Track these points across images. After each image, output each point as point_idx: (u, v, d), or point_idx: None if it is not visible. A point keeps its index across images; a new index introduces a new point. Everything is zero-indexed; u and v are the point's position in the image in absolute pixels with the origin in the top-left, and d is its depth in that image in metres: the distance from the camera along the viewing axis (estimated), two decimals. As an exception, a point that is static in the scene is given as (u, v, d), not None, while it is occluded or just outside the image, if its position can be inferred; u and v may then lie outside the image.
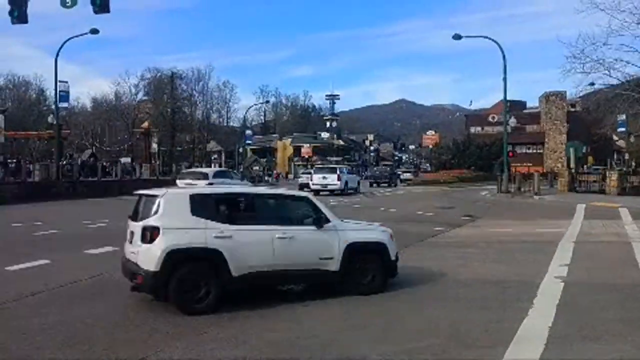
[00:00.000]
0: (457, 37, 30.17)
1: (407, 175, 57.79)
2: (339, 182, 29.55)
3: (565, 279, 6.87)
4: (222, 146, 74.51)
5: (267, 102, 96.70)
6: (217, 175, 22.77)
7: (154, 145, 42.33)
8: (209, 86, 74.95)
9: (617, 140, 57.57)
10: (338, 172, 30.75)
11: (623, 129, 43.53)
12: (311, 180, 30.77)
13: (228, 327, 4.96)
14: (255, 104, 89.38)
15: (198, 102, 73.40)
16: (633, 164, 52.17)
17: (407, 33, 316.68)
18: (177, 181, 22.13)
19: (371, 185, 42.68)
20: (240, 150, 62.76)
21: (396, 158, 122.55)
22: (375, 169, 62.09)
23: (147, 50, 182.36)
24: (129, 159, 44.97)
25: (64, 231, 12.32)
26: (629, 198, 21.80)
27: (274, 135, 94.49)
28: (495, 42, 30.00)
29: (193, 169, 32.44)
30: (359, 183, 34.17)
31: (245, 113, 70.94)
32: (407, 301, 6.00)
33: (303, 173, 38.59)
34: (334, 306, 5.79)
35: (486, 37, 30.73)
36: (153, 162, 43.37)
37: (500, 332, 4.69)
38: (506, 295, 6.17)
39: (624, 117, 36.95)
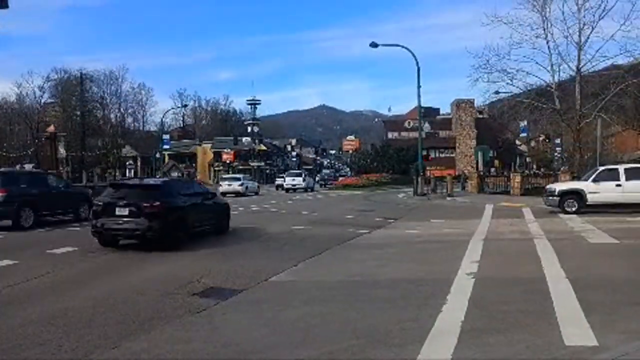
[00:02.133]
0: (374, 45, 31.07)
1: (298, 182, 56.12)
2: (303, 183, 42.91)
3: (476, 275, 7.23)
4: (138, 151, 71.42)
5: (186, 106, 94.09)
6: (244, 178, 41.33)
7: (62, 151, 39.62)
8: (123, 89, 71.63)
9: (519, 145, 62.09)
10: (303, 176, 45.26)
11: (524, 134, 47.05)
12: (284, 181, 44.50)
13: (142, 340, 4.70)
14: (173, 108, 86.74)
15: (111, 105, 69.85)
16: (534, 166, 56.52)
17: (328, 40, 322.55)
18: (221, 182, 40.64)
19: (321, 185, 54.22)
20: (158, 155, 60.42)
21: (317, 162, 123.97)
22: (323, 173, 75.95)
23: (52, 50, 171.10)
24: (31, 166, 41.79)
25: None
26: (531, 198, 23.50)
27: (193, 140, 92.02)
28: (409, 50, 31.25)
29: (230, 175, 49.06)
30: (314, 184, 47.75)
31: (163, 117, 68.64)
32: (327, 304, 6.01)
33: (223, 178, 43.55)
34: (254, 313, 5.68)
35: (401, 46, 31.90)
36: (61, 168, 40.59)
37: (417, 329, 4.83)
38: (422, 293, 6.38)
39: (525, 123, 39.92)
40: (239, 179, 39.87)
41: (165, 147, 61.07)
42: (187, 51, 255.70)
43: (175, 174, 68.65)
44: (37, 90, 64.20)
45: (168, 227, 10.20)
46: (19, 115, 63.39)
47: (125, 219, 10.08)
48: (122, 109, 72.64)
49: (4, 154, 57.76)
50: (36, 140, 54.66)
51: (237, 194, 35.80)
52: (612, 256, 9.09)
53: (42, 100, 65.02)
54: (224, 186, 37.10)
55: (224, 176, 48.22)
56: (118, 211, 10.16)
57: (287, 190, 41.89)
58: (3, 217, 14.02)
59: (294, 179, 43.62)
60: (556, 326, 4.79)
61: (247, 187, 38.24)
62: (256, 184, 43.82)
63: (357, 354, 4.23)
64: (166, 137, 61.13)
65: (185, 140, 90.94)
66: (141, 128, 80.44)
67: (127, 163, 68.08)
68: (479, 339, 4.51)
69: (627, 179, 16.98)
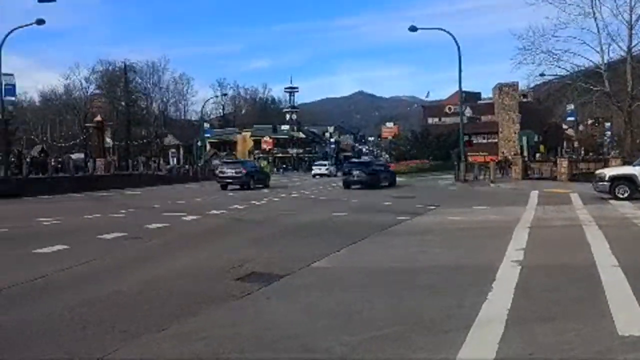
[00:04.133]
0: (413, 29, 30.51)
1: (323, 170, 57.49)
2: (327, 171, 53.67)
3: (522, 263, 7.05)
4: (180, 140, 73.07)
5: (225, 94, 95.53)
6: (329, 164, 60.10)
7: (108, 140, 41.02)
8: (165, 79, 73.30)
9: (566, 129, 59.89)
10: (327, 165, 58.57)
11: (572, 118, 45.35)
12: (312, 170, 56.73)
13: (189, 323, 4.82)
14: (213, 97, 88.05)
15: (154, 95, 71.60)
16: (582, 151, 54.45)
17: (366, 26, 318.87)
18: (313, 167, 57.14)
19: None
20: (199, 144, 61.64)
21: (356, 150, 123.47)
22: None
23: (97, 42, 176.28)
24: (82, 155, 43.44)
25: (11, 230, 11.76)
26: (579, 184, 22.70)
27: (233, 128, 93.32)
28: (450, 34, 30.54)
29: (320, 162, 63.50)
30: (336, 172, 53.02)
31: (203, 106, 69.71)
32: (369, 290, 6.01)
33: (316, 165, 60.00)
34: (297, 298, 5.74)
35: (441, 29, 31.21)
36: (108, 157, 42.06)
37: (462, 316, 4.75)
38: (465, 280, 6.27)
39: (572, 106, 38.47)
40: (324, 165, 56.90)
41: (206, 135, 62.28)
42: (227, 40, 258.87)
43: (216, 162, 69.90)
44: (83, 81, 66.57)
45: (248, 179, 28.68)
46: (67, 106, 65.83)
47: (232, 174, 28.89)
48: (164, 99, 74.39)
49: (55, 143, 60.29)
50: (84, 130, 56.71)
51: (325, 175, 50.55)
52: (668, 244, 8.68)
53: (89, 92, 67.32)
54: (321, 169, 53.66)
55: (317, 162, 62.95)
56: (228, 172, 29.17)
57: (314, 176, 51.79)
58: (244, 184, 28.38)
59: (320, 168, 55.58)
60: (608, 315, 4.61)
61: (330, 171, 53.31)
62: (334, 168, 56.81)
63: (400, 340, 4.20)
64: (207, 125, 62.30)
65: (225, 129, 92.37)
66: (183, 117, 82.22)
67: (170, 152, 69.82)
68: (527, 327, 4.40)
69: (683, 163, 16.15)
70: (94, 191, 27.58)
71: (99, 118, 42.62)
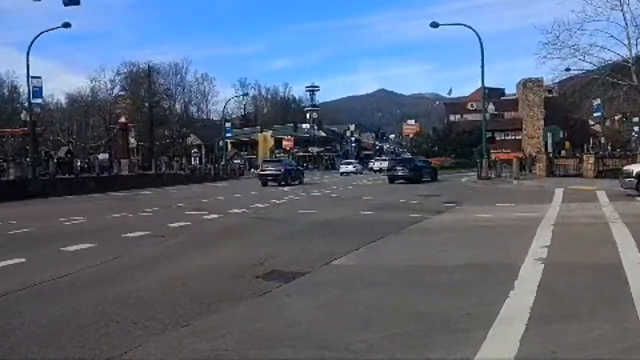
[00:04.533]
0: (435, 25, 30.24)
1: (383, 165, 59.28)
2: (354, 169, 57.69)
3: (545, 261, 6.92)
4: (202, 140, 73.86)
5: (247, 94, 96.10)
6: (356, 162, 64.27)
7: (132, 140, 41.73)
8: (187, 80, 74.19)
9: (592, 125, 58.59)
10: (354, 163, 62.22)
11: (598, 114, 44.29)
12: (339, 168, 59.78)
13: (210, 319, 4.89)
14: (235, 97, 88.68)
15: (176, 96, 72.52)
16: (609, 147, 53.20)
17: (386, 23, 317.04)
18: (341, 165, 59.23)
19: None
20: (221, 143, 62.19)
21: (377, 148, 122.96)
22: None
23: (121, 45, 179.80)
24: (106, 155, 44.26)
25: (39, 229, 12.06)
26: (605, 181, 22.19)
27: (255, 127, 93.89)
28: (472, 29, 30.18)
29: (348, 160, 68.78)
30: (362, 170, 60.42)
31: (225, 106, 70.20)
32: (389, 288, 5.99)
33: (344, 163, 62.53)
34: (316, 296, 5.75)
35: (463, 25, 30.83)
36: (132, 157, 42.77)
37: (482, 315, 4.70)
38: (487, 278, 6.20)
39: (599, 101, 37.58)
40: (351, 163, 60.96)
41: (228, 135, 62.81)
42: (248, 40, 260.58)
43: (237, 161, 70.45)
44: (108, 83, 67.67)
45: (286, 177, 32.19)
46: (93, 107, 67.12)
47: (272, 172, 32.29)
48: (186, 99, 75.26)
49: (81, 144, 61.56)
50: (109, 131, 57.76)
51: (352, 173, 54.24)
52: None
53: (114, 93, 68.49)
54: (349, 167, 57.16)
55: (345, 161, 66.61)
56: (268, 170, 33.03)
57: (342, 174, 54.75)
58: (282, 180, 31.61)
59: (347, 166, 58.82)
60: (634, 313, 4.51)
61: (357, 169, 58.05)
62: (361, 166, 61.74)
63: (420, 338, 4.18)
64: (228, 125, 62.84)
65: (246, 128, 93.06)
66: (205, 117, 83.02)
67: (192, 151, 70.60)
68: (549, 325, 4.33)
69: None
70: (118, 191, 28.10)
71: (123, 119, 43.42)
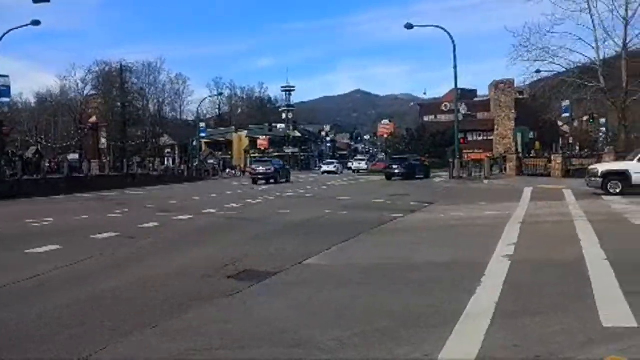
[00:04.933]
0: (409, 26, 30.58)
1: (361, 165, 62.22)
2: (335, 169, 59.31)
3: (512, 258, 7.10)
4: (176, 140, 72.95)
5: (221, 94, 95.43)
6: (337, 162, 66.19)
7: (103, 141, 40.96)
8: (161, 79, 73.15)
9: (562, 126, 59.96)
10: (335, 163, 63.87)
11: (567, 115, 45.39)
12: (321, 167, 62.96)
13: (180, 320, 4.85)
14: (209, 96, 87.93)
15: (150, 96, 71.43)
16: (577, 147, 54.60)
17: (362, 24, 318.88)
18: (322, 165, 63.71)
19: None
20: (195, 143, 61.56)
21: (352, 148, 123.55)
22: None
23: (94, 44, 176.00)
24: (77, 156, 43.35)
25: (5, 230, 11.76)
26: (572, 180, 22.80)
27: (230, 127, 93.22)
28: (445, 31, 30.62)
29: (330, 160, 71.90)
30: (342, 169, 62.45)
31: (199, 106, 69.54)
32: (360, 286, 6.05)
33: (326, 162, 65.64)
34: (288, 295, 5.77)
35: (437, 27, 31.26)
36: (103, 158, 42.00)
37: (450, 311, 4.79)
38: (456, 276, 6.32)
39: (567, 103, 38.54)
40: (332, 163, 63.11)
41: (202, 135, 62.21)
42: (222, 40, 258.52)
43: (211, 161, 69.88)
44: (79, 82, 66.28)
45: (275, 175, 34.90)
46: (63, 107, 65.63)
47: (262, 171, 35.07)
48: (160, 99, 74.23)
49: (50, 144, 60.11)
50: (79, 131, 56.53)
51: (333, 172, 56.21)
52: (657, 238, 8.76)
53: (85, 92, 67.10)
54: (330, 167, 59.70)
55: (326, 161, 69.84)
56: (259, 169, 35.57)
57: (323, 173, 57.48)
58: (272, 178, 34.30)
59: (328, 165, 61.54)
60: (594, 308, 4.66)
61: (337, 168, 59.37)
62: (341, 166, 63.73)
63: (389, 334, 4.24)
64: (202, 125, 62.24)
65: (221, 128, 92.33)
66: (178, 117, 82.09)
67: (166, 152, 69.76)
68: (513, 320, 4.45)
69: (676, 159, 16.25)
70: (88, 192, 27.54)
71: (94, 119, 42.60)
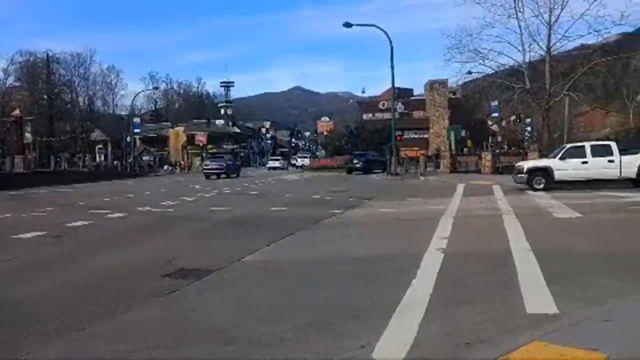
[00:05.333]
0: (348, 25, 30.93)
1: (305, 161, 63.21)
2: (280, 165, 62.97)
3: (445, 250, 7.38)
4: (108, 136, 69.87)
5: (157, 88, 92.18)
6: (282, 158, 72.30)
7: (28, 136, 38.54)
8: (92, 71, 69.69)
9: (491, 125, 62.97)
10: (280, 159, 67.52)
11: (496, 114, 47.71)
12: (267, 164, 65.18)
13: (113, 321, 4.68)
14: (144, 90, 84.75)
15: (79, 89, 67.97)
16: (505, 146, 57.50)
17: (302, 21, 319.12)
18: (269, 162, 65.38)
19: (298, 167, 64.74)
20: (129, 139, 59.25)
21: (293, 145, 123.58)
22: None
23: (16, 31, 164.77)
24: (-2, 151, 40.57)
25: None
26: (501, 176, 23.99)
27: (166, 123, 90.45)
28: (383, 31, 31.22)
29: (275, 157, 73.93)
30: (287, 165, 65.89)
31: (133, 100, 66.89)
32: (298, 281, 6.08)
33: (271, 159, 67.82)
34: (226, 292, 5.72)
35: (374, 26, 31.81)
36: (28, 153, 39.54)
37: (387, 303, 4.91)
38: (392, 269, 6.49)
39: (496, 103, 40.47)
40: (278, 160, 66.21)
41: (136, 130, 59.99)
42: (158, 33, 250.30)
43: (146, 158, 67.68)
44: (1, 73, 61.94)
45: (227, 171, 37.43)
46: (-18, 99, 61.13)
47: (215, 166, 37.92)
48: (90, 92, 70.80)
49: (-32, 139, 55.76)
50: (1, 125, 52.90)
51: (279, 168, 58.76)
52: (575, 229, 9.42)
53: (7, 84, 62.79)
54: (276, 163, 62.65)
55: (271, 157, 72.57)
56: (212, 165, 38.86)
57: (269, 169, 59.32)
58: (224, 173, 37.03)
59: (274, 162, 63.83)
60: (519, 296, 4.94)
61: (283, 164, 62.98)
62: (286, 162, 67.37)
63: (327, 328, 4.30)
64: (137, 120, 60.03)
65: (157, 124, 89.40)
66: (111, 112, 78.62)
67: (98, 147, 66.70)
68: (446, 310, 4.64)
69: (593, 156, 17.48)
70: (11, 190, 25.84)
71: (16, 112, 39.93)
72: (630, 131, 36.20)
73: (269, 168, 60.52)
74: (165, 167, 65.19)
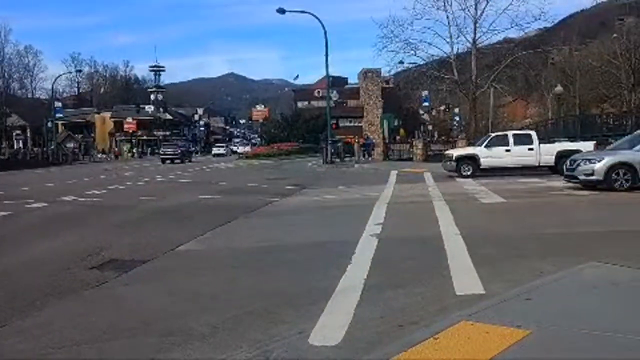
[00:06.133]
0: (281, 11, 30.67)
1: (247, 149, 63.22)
2: (224, 152, 64.08)
3: (379, 236, 7.55)
4: (27, 121, 65.33)
5: (80, 71, 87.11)
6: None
7: None
8: (6, 51, 64.68)
9: (422, 114, 64.90)
10: (224, 146, 69.34)
11: (427, 104, 49.27)
12: (212, 150, 66.50)
13: (35, 316, 4.42)
14: (66, 73, 79.82)
15: (-8, 70, 62.96)
16: (436, 134, 59.58)
17: (237, 5, 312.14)
18: (214, 148, 67.74)
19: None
20: (50, 125, 55.71)
21: (227, 132, 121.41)
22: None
23: None
24: None
25: None
26: (432, 164, 24.85)
27: (91, 108, 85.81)
28: (317, 18, 31.31)
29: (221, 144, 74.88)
30: (230, 152, 65.76)
31: (54, 83, 62.76)
32: (235, 270, 6.01)
33: (217, 146, 68.99)
34: (159, 283, 5.55)
35: (308, 13, 31.76)
36: None
37: (323, 288, 4.96)
38: (328, 255, 6.57)
39: (427, 93, 41.76)
40: (223, 146, 67.75)
41: (58, 115, 56.53)
42: (81, 12, 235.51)
43: (70, 145, 64.07)
44: None
45: (182, 156, 42.61)
46: None
47: (171, 152, 42.83)
48: (5, 74, 65.73)
49: None
50: None
51: (222, 155, 59.69)
52: (500, 214, 9.95)
53: None
54: (220, 150, 64.23)
55: (216, 145, 73.00)
56: (167, 151, 43.58)
57: (214, 155, 60.83)
58: (178, 159, 42.01)
59: (219, 149, 65.12)
60: (449, 278, 5.16)
61: (227, 151, 64.15)
62: (229, 149, 67.80)
63: (264, 316, 4.28)
64: (58, 104, 56.55)
65: (81, 109, 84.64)
66: (30, 95, 73.47)
67: (15, 133, 62.26)
68: (380, 293, 4.75)
69: (515, 144, 18.51)
70: None
71: None
72: (548, 121, 38.62)
73: (214, 155, 62.54)
74: (93, 153, 62.21)
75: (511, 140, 18.66)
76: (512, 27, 30.26)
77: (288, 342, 3.68)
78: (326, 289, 4.93)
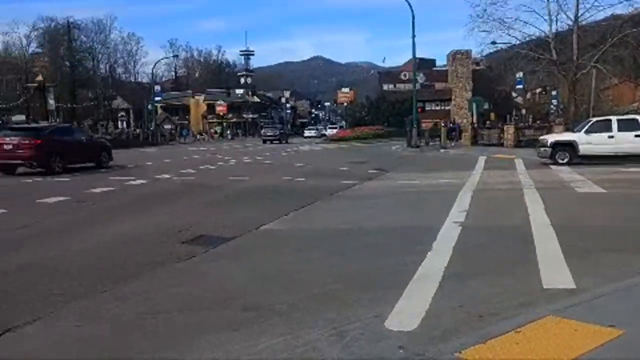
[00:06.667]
0: (370, -8, 30.15)
1: (334, 132, 62.92)
2: (316, 134, 68.46)
3: (463, 224, 7.32)
4: (130, 103, 70.34)
5: (176, 56, 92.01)
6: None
7: (51, 102, 39.03)
8: (112, 38, 69.74)
9: (515, 97, 61.51)
10: (316, 129, 74.91)
11: (520, 86, 46.52)
12: (304, 133, 72.85)
13: (131, 285, 4.79)
14: (164, 58, 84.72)
15: (100, 56, 68.18)
16: (530, 119, 56.27)
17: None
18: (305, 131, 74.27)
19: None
20: (150, 107, 59.60)
21: (313, 115, 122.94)
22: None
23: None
24: (22, 117, 41.31)
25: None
26: (524, 150, 23.56)
27: (187, 91, 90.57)
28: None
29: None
30: (320, 134, 68.14)
31: (154, 68, 66.89)
32: (314, 251, 6.11)
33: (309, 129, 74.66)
34: (242, 260, 5.78)
35: (397, -7, 30.98)
36: (52, 119, 40.11)
37: (401, 274, 4.92)
38: (409, 241, 6.48)
39: (521, 74, 39.37)
40: (314, 129, 74.12)
41: (157, 98, 60.24)
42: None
43: (168, 126, 68.17)
44: (23, 39, 62.41)
45: (281, 137, 51.01)
46: (6, 65, 61.85)
47: (271, 134, 51.58)
48: (111, 59, 71.04)
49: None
50: (25, 91, 53.61)
51: (314, 137, 63.24)
52: (597, 205, 9.23)
53: (30, 50, 63.36)
54: (312, 132, 70.13)
55: (308, 127, 79.77)
56: (268, 132, 52.30)
57: (306, 137, 66.42)
58: (279, 139, 49.37)
59: (310, 132, 70.92)
60: (536, 270, 4.89)
61: (317, 134, 67.20)
62: (320, 132, 70.97)
63: (341, 297, 4.32)
64: (157, 88, 60.21)
65: (177, 92, 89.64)
66: (132, 79, 78.96)
67: (119, 115, 67.29)
68: (460, 282, 4.62)
69: (619, 130, 17.01)
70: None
71: (39, 78, 40.36)
72: (660, 106, 34.96)
73: (306, 137, 67.58)
74: (187, 134, 66.07)
75: (615, 126, 17.16)
76: (620, 2, 27.57)
77: (364, 324, 3.69)
78: (404, 274, 4.88)
